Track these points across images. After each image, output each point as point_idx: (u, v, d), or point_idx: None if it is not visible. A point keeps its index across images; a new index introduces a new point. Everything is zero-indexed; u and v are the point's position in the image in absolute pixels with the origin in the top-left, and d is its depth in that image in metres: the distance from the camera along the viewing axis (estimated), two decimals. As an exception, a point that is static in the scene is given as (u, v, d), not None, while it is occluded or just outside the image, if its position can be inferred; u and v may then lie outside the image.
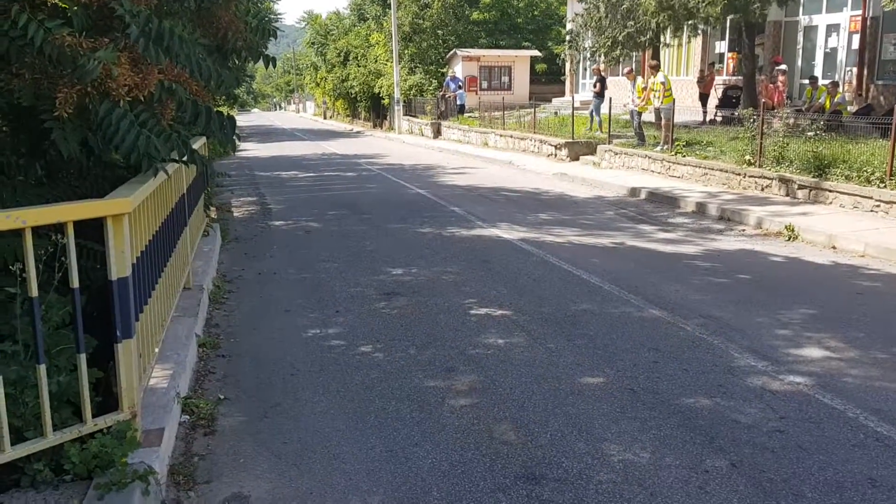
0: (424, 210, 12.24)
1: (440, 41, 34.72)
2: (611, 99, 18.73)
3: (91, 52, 3.76)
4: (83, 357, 3.31)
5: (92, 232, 4.08)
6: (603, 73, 21.23)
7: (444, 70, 33.54)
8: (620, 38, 18.36)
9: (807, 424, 4.27)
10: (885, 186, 10.27)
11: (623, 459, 3.90)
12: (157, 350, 4.38)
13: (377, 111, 40.05)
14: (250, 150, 27.10)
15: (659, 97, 16.39)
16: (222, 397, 4.69)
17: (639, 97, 17.17)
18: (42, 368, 3.15)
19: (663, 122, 16.30)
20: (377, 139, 32.80)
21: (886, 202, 10.08)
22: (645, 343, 5.64)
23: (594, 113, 20.45)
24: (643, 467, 3.82)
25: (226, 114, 4.57)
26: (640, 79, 17.23)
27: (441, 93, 31.06)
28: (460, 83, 30.38)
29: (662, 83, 16.31)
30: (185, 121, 4.44)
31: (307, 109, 74.87)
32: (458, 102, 29.33)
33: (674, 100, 16.60)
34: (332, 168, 20.35)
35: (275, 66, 6.41)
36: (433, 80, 33.87)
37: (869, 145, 12.27)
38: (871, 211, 10.29)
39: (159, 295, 4.52)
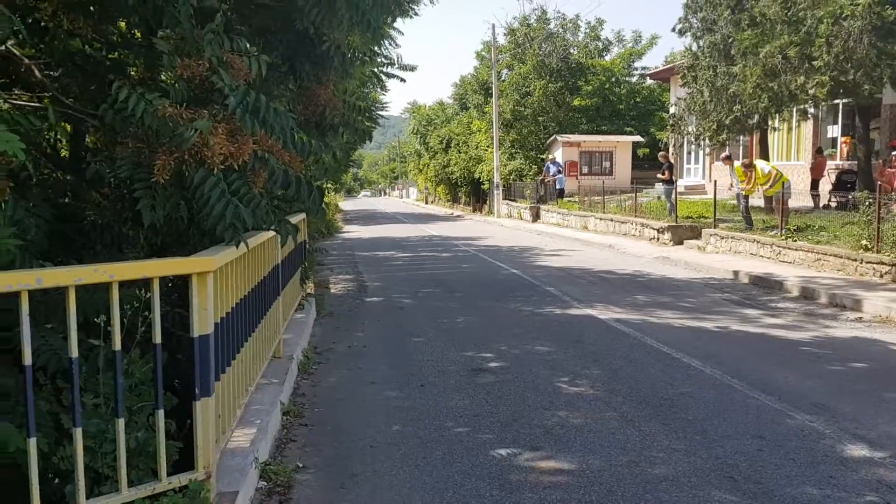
0: (517, 289, 12.10)
1: (541, 127, 35.20)
2: (716, 182, 18.32)
3: (189, 122, 3.95)
4: (161, 413, 3.33)
5: (178, 298, 4.20)
6: (671, 160, 21.07)
7: (544, 155, 33.86)
8: (727, 122, 18.03)
9: (935, 527, 3.78)
10: None
11: (720, 554, 3.54)
12: (238, 413, 4.39)
13: (477, 195, 40.69)
14: (353, 231, 27.93)
15: (766, 185, 15.86)
16: (301, 465, 4.62)
17: (740, 180, 16.68)
18: (121, 422, 3.18)
19: (774, 205, 15.73)
20: (476, 222, 33.16)
21: None
22: (749, 430, 5.22)
23: (665, 198, 20.13)
24: (743, 564, 3.45)
25: (315, 184, 4.68)
26: (737, 162, 16.75)
27: (541, 177, 31.28)
28: (560, 167, 30.54)
29: (767, 173, 15.81)
30: (275, 189, 4.57)
31: (410, 195, 77.10)
32: (558, 187, 29.41)
33: (786, 182, 15.99)
34: (430, 249, 20.62)
35: (370, 140, 6.59)
36: (533, 165, 34.22)
37: None
38: None
39: (244, 359, 4.56)
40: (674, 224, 18.82)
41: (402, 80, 9.19)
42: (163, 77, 4.83)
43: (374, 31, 5.66)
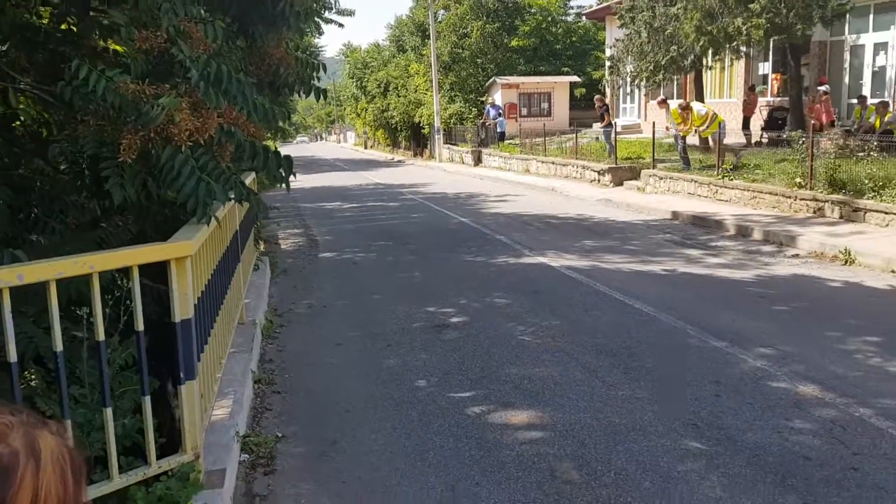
0: (470, 239, 12.22)
1: (479, 69, 34.94)
2: (654, 123, 18.63)
3: (154, 98, 3.83)
4: (148, 399, 3.33)
5: (149, 272, 4.14)
6: (606, 102, 21.39)
7: (484, 98, 33.71)
8: (663, 63, 18.25)
9: (882, 461, 4.09)
10: (945, 207, 9.96)
11: (692, 499, 3.77)
12: (216, 389, 4.40)
13: (417, 140, 40.39)
14: (294, 181, 27.45)
15: (702, 126, 16.22)
16: (280, 435, 4.68)
17: (676, 123, 17.01)
18: (109, 412, 3.17)
19: (710, 145, 16.14)
20: (418, 168, 33.02)
21: (948, 223, 9.77)
22: (706, 376, 5.49)
23: (605, 140, 20.44)
24: (713, 508, 3.69)
25: (274, 149, 4.62)
26: (672, 103, 17.06)
27: (481, 120, 31.21)
28: (500, 110, 30.49)
29: (703, 115, 16.15)
30: (244, 163, 4.50)
31: (347, 140, 75.92)
32: (499, 130, 29.41)
33: (721, 122, 16.39)
34: (375, 198, 20.52)
35: (325, 98, 6.47)
36: (473, 109, 34.05)
37: (925, 165, 11.95)
38: (932, 233, 9.97)
39: (217, 332, 4.55)
40: (614, 166, 19.13)
41: (341, 25, 8.86)
42: (116, 48, 4.63)
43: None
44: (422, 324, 7.19)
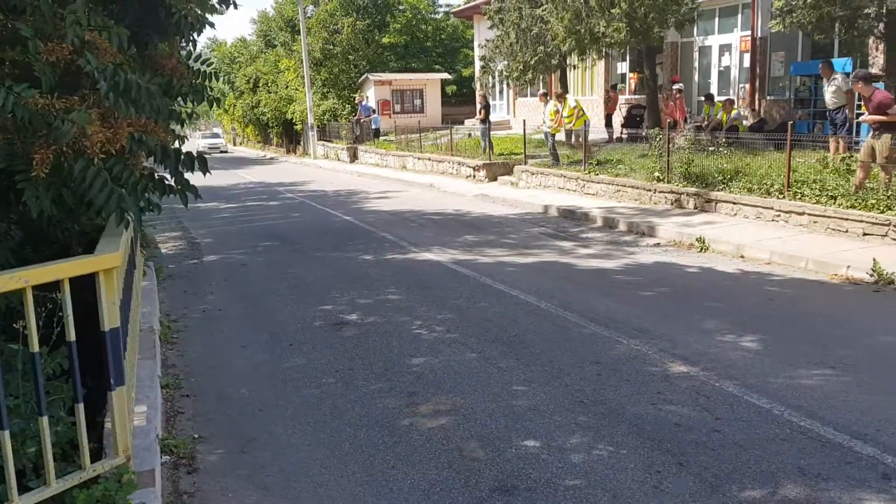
0: (355, 237, 12.48)
1: (352, 66, 35.06)
2: (524, 121, 19.53)
3: (64, 112, 3.89)
4: (81, 407, 3.44)
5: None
6: (488, 99, 22.24)
7: (357, 94, 33.84)
8: (532, 63, 19.15)
9: (740, 423, 4.77)
10: (783, 197, 11.20)
11: (584, 466, 4.28)
12: (134, 395, 4.49)
13: (290, 136, 39.93)
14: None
15: (571, 121, 17.19)
16: (197, 436, 4.83)
17: (551, 119, 17.95)
18: (45, 420, 3.27)
19: (575, 141, 17.15)
20: (293, 165, 32.73)
21: (786, 212, 10.99)
22: (587, 357, 6.08)
23: (481, 136, 21.19)
24: (602, 472, 4.22)
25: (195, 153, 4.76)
26: (551, 102, 18.03)
27: (356, 117, 31.35)
28: (373, 109, 30.75)
29: (573, 108, 17.12)
30: (156, 168, 4.61)
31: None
32: (373, 126, 29.68)
33: (587, 120, 17.44)
34: (254, 197, 20.30)
35: (220, 106, 6.56)
36: (347, 105, 34.13)
37: (766, 158, 13.33)
38: (773, 220, 11.19)
39: (131, 339, 4.64)
40: (488, 162, 19.90)
41: (212, 25, 8.83)
42: (17, 58, 4.59)
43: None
44: (321, 322, 7.43)
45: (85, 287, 3.61)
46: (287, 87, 37.05)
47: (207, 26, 8.42)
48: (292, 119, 36.66)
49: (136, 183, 4.14)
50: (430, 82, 35.24)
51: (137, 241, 8.13)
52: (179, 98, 6.48)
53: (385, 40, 36.91)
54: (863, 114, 11.23)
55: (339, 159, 31.02)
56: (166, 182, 4.50)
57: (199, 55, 6.77)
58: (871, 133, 10.62)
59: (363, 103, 31.09)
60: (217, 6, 7.02)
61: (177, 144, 5.72)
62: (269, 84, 39.28)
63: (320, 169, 28.82)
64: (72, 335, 3.40)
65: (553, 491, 4.04)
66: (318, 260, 10.73)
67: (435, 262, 10.13)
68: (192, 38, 6.27)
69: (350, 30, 34.41)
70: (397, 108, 34.11)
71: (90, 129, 3.94)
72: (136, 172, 4.21)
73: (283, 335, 7.06)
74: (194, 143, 35.86)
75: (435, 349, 6.45)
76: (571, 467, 4.28)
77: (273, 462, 4.49)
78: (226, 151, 32.39)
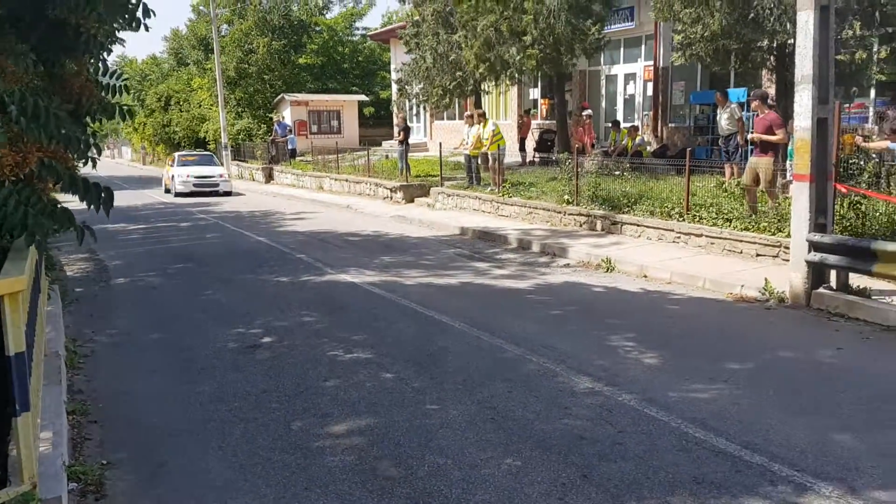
0: (270, 259, 12.40)
1: (267, 86, 34.78)
2: (441, 143, 19.84)
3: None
4: (-15, 435, 3.38)
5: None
6: (407, 122, 22.58)
7: (273, 114, 33.56)
8: (450, 87, 19.51)
9: (640, 436, 5.04)
10: (683, 220, 11.80)
11: (494, 481, 4.44)
12: (39, 421, 4.39)
13: (203, 156, 39.12)
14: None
15: (487, 143, 17.56)
16: (105, 462, 4.74)
17: (475, 140, 18.28)
18: (-55, 450, 3.20)
19: (490, 164, 17.52)
20: (206, 185, 32.00)
21: (686, 234, 11.59)
22: (499, 375, 6.28)
23: (399, 159, 21.38)
24: (511, 486, 4.39)
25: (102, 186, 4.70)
26: (475, 127, 18.26)
27: (271, 137, 31.06)
28: (289, 128, 30.55)
29: (493, 131, 17.50)
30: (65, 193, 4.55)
31: (123, 155, 71.35)
32: (289, 147, 29.47)
33: (503, 144, 17.86)
34: (165, 218, 19.82)
35: (133, 118, 6.45)
36: (262, 125, 33.80)
37: (668, 182, 14.03)
38: (674, 242, 11.77)
39: (35, 364, 4.54)
40: (406, 183, 20.11)
41: (122, 42, 8.68)
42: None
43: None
44: (234, 345, 7.37)
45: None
46: (200, 105, 36.43)
47: (118, 44, 8.28)
48: (205, 138, 36.01)
49: (44, 209, 4.09)
50: (348, 103, 35.31)
51: (42, 264, 7.89)
52: (88, 117, 6.40)
53: (301, 61, 36.80)
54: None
55: (254, 179, 30.64)
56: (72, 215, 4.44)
57: (108, 69, 6.66)
58: (754, 151, 11.36)
59: (279, 122, 30.84)
60: (125, 27, 6.96)
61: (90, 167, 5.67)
62: (182, 102, 38.52)
63: (234, 189, 28.34)
64: (-24, 361, 3.35)
65: (464, 505, 4.18)
66: (232, 282, 10.61)
67: (352, 284, 10.19)
68: (101, 57, 6.19)
69: (265, 49, 34.19)
70: (314, 128, 33.99)
71: (1, 151, 3.90)
72: (43, 198, 4.16)
73: (194, 359, 6.97)
74: (172, 172, 26.93)
75: (350, 370, 6.52)
76: (482, 482, 4.43)
77: (186, 485, 4.47)
78: (230, 192, 25.57)
